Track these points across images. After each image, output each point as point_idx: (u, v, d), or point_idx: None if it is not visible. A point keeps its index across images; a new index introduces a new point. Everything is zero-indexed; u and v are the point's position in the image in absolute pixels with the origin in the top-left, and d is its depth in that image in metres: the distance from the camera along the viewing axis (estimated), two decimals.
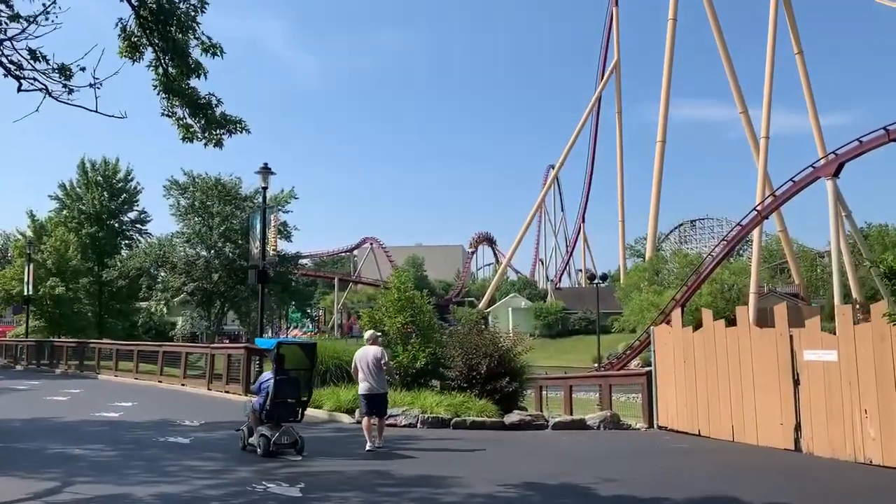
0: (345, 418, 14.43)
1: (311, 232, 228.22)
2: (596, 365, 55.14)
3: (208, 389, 20.56)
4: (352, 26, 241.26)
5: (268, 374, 10.46)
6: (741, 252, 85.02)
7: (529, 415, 14.54)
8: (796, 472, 9.55)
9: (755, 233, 61.24)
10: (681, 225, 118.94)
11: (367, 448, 10.58)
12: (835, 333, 10.96)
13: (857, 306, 58.74)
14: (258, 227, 19.93)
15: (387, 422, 13.54)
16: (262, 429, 10.03)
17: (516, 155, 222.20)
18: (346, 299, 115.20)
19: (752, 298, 62.53)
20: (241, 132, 8.34)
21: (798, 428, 11.38)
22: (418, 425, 13.63)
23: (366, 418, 11.02)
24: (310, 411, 15.30)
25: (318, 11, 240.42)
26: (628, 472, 9.29)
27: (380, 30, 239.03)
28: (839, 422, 10.70)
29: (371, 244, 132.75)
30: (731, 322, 13.24)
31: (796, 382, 11.44)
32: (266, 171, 19.82)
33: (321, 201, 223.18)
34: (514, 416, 14.13)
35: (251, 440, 10.24)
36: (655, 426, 14.21)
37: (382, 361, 11.02)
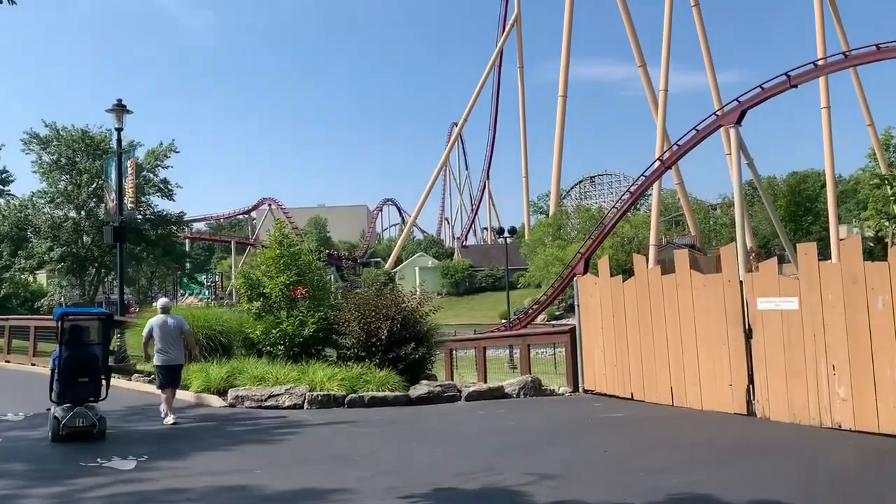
0: (214, 401, 11.89)
1: (207, 194, 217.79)
2: (504, 321, 54.06)
3: None
4: None
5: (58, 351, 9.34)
6: (638, 207, 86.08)
7: (439, 385, 12.41)
8: (764, 446, 7.83)
9: (655, 185, 61.38)
10: (581, 181, 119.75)
11: (171, 422, 10.08)
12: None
13: (753, 254, 60.21)
14: (113, 175, 16.75)
15: (266, 403, 11.36)
16: (57, 410, 8.91)
17: (420, 112, 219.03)
18: (243, 263, 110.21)
19: (652, 250, 63.03)
20: None
21: (751, 388, 9.76)
22: (305, 405, 11.26)
23: (167, 389, 10.58)
24: (177, 393, 12.77)
25: None
26: (566, 460, 7.29)
27: None
28: (801, 380, 9.09)
29: (269, 205, 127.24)
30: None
31: (748, 336, 9.78)
32: (120, 108, 16.60)
33: (218, 163, 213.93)
34: (421, 388, 11.98)
35: None
36: (581, 390, 12.43)
37: (185, 330, 10.98)
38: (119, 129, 17.03)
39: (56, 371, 9.13)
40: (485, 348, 16.03)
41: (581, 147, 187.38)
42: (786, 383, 9.27)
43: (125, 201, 16.77)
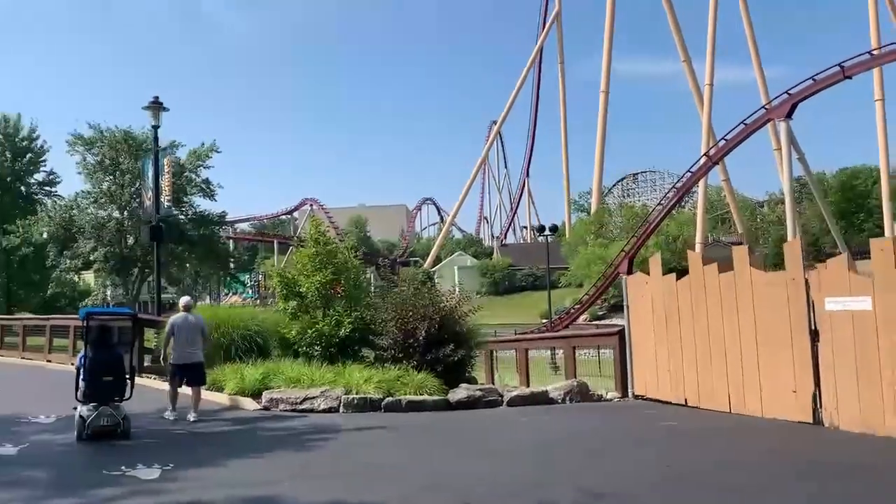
0: (248, 404, 11.51)
1: (251, 196, 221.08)
2: (545, 321, 53.27)
3: None
4: None
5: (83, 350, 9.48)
6: (682, 204, 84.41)
7: (479, 389, 11.85)
8: (842, 461, 7.10)
9: (701, 182, 59.97)
10: (623, 179, 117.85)
11: (172, 417, 10.38)
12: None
13: (803, 252, 58.17)
14: (150, 174, 16.57)
15: (301, 406, 10.95)
16: (83, 410, 8.89)
17: (460, 110, 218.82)
18: (286, 263, 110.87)
19: (698, 249, 61.56)
20: None
21: (817, 395, 9.00)
22: (341, 409, 10.81)
23: (174, 388, 10.70)
24: (209, 395, 12.45)
25: None
26: (620, 476, 6.67)
27: None
28: (874, 387, 8.32)
29: (311, 205, 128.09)
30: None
31: (814, 339, 9.02)
32: (156, 106, 16.42)
33: (262, 164, 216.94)
34: (460, 392, 11.43)
35: None
36: (631, 395, 11.76)
37: (205, 331, 11.04)
38: (156, 127, 16.88)
39: (82, 370, 9.16)
40: (527, 350, 15.43)
41: (623, 144, 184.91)
42: (857, 390, 8.51)
43: (162, 199, 16.60)
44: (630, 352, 11.86)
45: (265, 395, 11.45)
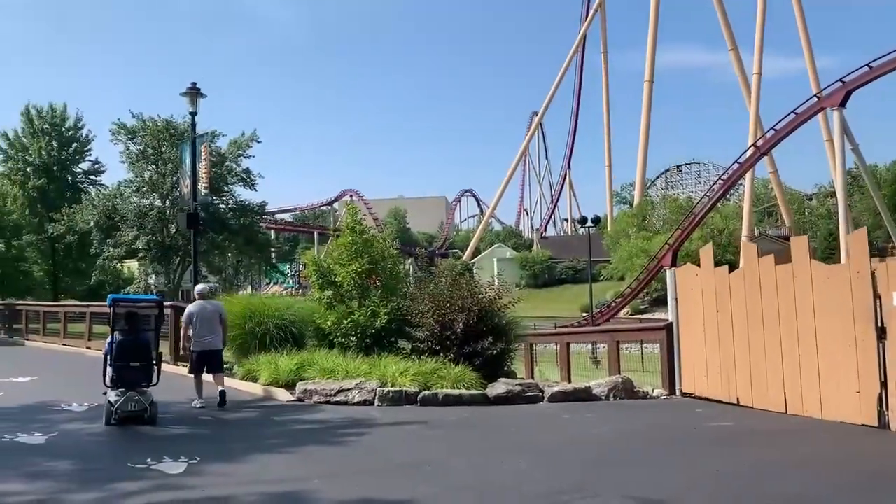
0: (282, 395, 11.27)
1: (292, 187, 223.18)
2: (585, 314, 52.49)
3: None
4: None
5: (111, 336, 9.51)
6: (727, 197, 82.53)
7: (519, 384, 11.42)
8: None
9: (748, 174, 58.42)
10: (667, 170, 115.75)
11: (199, 405, 10.32)
12: None
13: None
14: (188, 161, 16.44)
15: (335, 398, 10.68)
16: (111, 395, 9.00)
17: (500, 101, 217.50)
18: (325, 253, 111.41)
19: (744, 242, 60.01)
20: None
21: (884, 397, 8.37)
22: (376, 402, 10.49)
23: (197, 377, 10.68)
24: (243, 385, 12.29)
25: None
26: (670, 481, 6.18)
27: None
28: None
29: (351, 196, 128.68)
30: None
31: (881, 336, 8.39)
32: (194, 92, 16.26)
33: (304, 155, 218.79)
34: (499, 387, 11.01)
35: None
36: (678, 393, 11.22)
37: (223, 317, 11.04)
38: (193, 113, 16.74)
39: (109, 356, 9.26)
40: (568, 344, 14.93)
41: (666, 136, 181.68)
42: None
43: (199, 186, 16.46)
44: (678, 347, 11.32)
45: (299, 386, 11.19)
